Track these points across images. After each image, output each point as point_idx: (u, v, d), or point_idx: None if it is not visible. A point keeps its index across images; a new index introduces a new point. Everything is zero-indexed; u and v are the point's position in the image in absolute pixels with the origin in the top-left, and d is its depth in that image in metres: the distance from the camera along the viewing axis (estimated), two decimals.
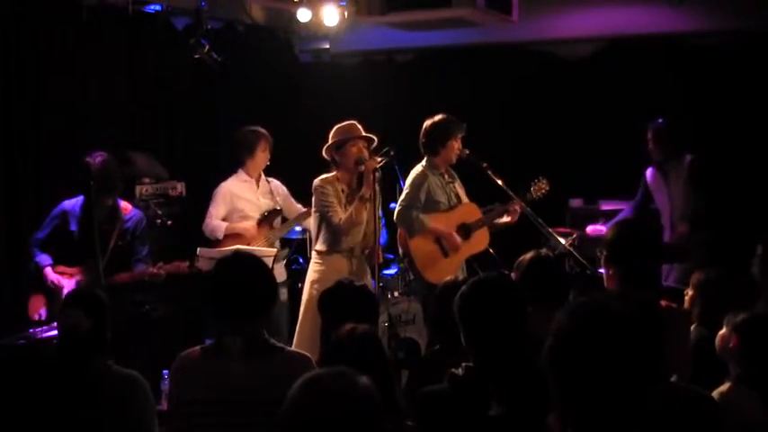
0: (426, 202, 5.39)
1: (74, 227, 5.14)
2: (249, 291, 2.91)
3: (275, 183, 5.91)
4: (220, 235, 5.60)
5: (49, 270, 5.09)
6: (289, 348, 3.00)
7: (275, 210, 5.77)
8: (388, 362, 2.73)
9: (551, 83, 7.60)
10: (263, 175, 5.84)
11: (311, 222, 5.36)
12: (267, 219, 5.73)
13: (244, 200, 5.72)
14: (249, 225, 5.64)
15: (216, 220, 5.66)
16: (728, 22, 6.87)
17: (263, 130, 5.78)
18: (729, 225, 6.27)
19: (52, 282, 5.06)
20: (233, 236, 5.58)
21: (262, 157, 5.76)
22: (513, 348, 2.72)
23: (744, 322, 3.04)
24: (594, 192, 7.11)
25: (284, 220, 5.85)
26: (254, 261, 3.05)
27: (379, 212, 5.21)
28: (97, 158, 5.08)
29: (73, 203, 5.20)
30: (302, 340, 5.05)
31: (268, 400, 2.79)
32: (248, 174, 5.78)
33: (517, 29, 6.84)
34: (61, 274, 5.11)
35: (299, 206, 5.86)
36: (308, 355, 3.00)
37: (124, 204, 5.32)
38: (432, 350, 3.70)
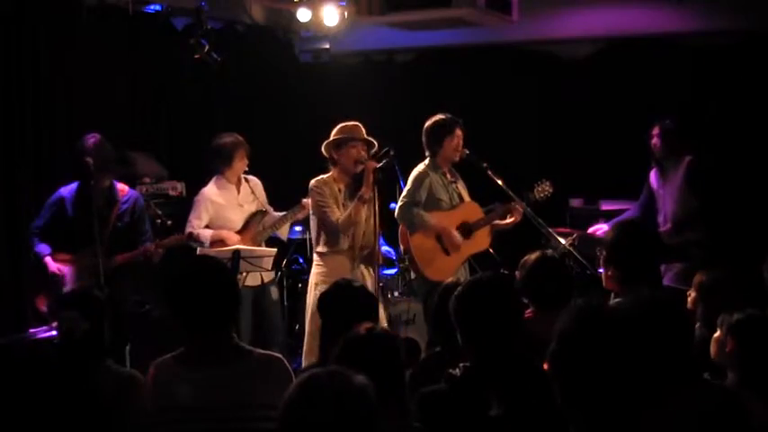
0: (428, 200, 5.40)
1: (71, 212, 5.10)
2: (211, 299, 2.85)
3: (255, 181, 5.75)
4: (207, 243, 5.43)
5: (49, 260, 5.05)
6: (259, 351, 2.96)
7: (259, 211, 5.66)
8: (402, 364, 2.72)
9: (551, 83, 7.60)
10: (242, 178, 5.69)
11: (311, 224, 5.33)
12: (252, 221, 5.62)
13: (227, 208, 5.58)
14: (232, 233, 5.52)
15: (198, 230, 5.48)
16: (729, 22, 6.86)
17: (239, 138, 5.62)
18: (728, 225, 6.27)
19: (53, 272, 5.02)
20: (218, 242, 5.45)
21: (240, 165, 5.61)
22: (511, 348, 2.72)
23: (739, 324, 2.95)
24: (595, 192, 7.10)
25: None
26: (214, 268, 2.98)
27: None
28: (90, 140, 5.04)
29: (69, 189, 5.17)
30: (312, 342, 5.03)
31: (241, 403, 2.78)
32: (227, 179, 5.63)
33: (517, 29, 6.83)
34: (62, 261, 5.08)
35: (272, 210, 5.73)
36: (279, 356, 2.96)
37: (121, 186, 5.28)
38: (432, 351, 3.70)
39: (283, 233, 5.84)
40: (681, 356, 2.46)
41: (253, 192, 5.68)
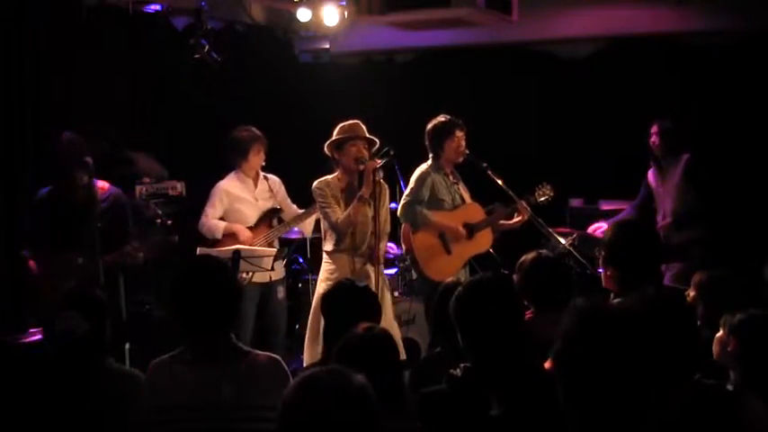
0: (430, 200, 5.42)
1: (52, 213, 5.00)
2: (212, 299, 2.85)
3: (274, 180, 5.85)
4: (219, 234, 5.57)
5: (31, 265, 4.99)
6: (256, 351, 2.96)
7: (274, 209, 5.74)
8: (400, 363, 2.72)
9: (551, 83, 7.60)
10: (260, 174, 5.79)
11: (321, 223, 5.35)
12: (266, 218, 5.70)
13: (241, 201, 5.68)
14: (245, 228, 5.60)
15: (213, 220, 5.63)
16: (728, 22, 6.87)
17: (256, 133, 5.71)
18: (726, 224, 6.28)
19: (33, 279, 4.96)
20: (230, 235, 5.56)
21: (256, 159, 5.70)
22: (511, 349, 2.72)
23: (741, 324, 2.95)
24: (594, 192, 7.11)
25: (281, 220, 5.82)
26: (216, 268, 2.98)
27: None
28: (72, 139, 4.97)
29: (48, 190, 5.08)
30: (313, 337, 5.05)
31: (238, 404, 2.79)
32: (245, 173, 5.74)
33: (517, 29, 6.83)
34: (42, 265, 4.96)
35: (296, 207, 5.84)
36: (277, 357, 2.97)
37: (101, 184, 5.13)
38: (433, 351, 3.70)
39: (307, 230, 5.93)
40: (683, 356, 2.46)
41: (270, 189, 5.74)
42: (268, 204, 5.74)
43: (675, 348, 2.38)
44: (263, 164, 5.78)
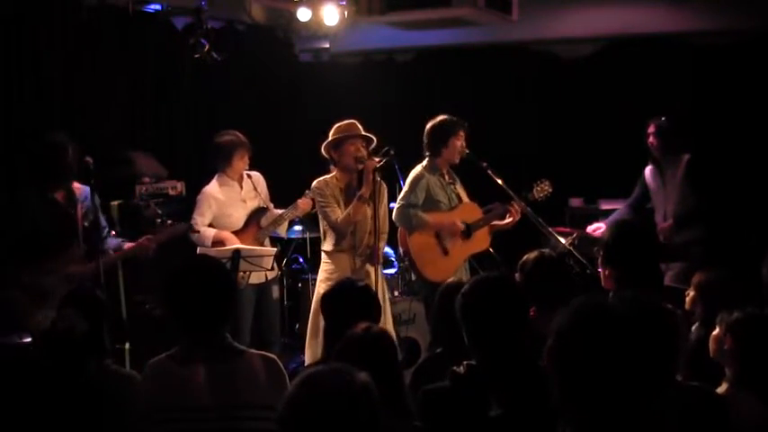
0: (426, 201, 5.39)
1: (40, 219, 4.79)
2: (206, 298, 2.85)
3: (257, 176, 5.77)
4: (209, 243, 5.46)
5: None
6: (251, 351, 2.95)
7: (261, 208, 5.68)
8: (399, 363, 2.72)
9: (551, 83, 7.61)
10: (244, 175, 5.72)
11: (320, 223, 5.34)
12: (254, 218, 5.65)
13: (230, 206, 5.61)
14: (232, 235, 5.53)
15: (202, 228, 5.53)
16: (729, 22, 6.87)
17: (240, 138, 5.64)
18: (726, 224, 6.28)
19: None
20: (219, 243, 5.46)
21: (240, 164, 5.64)
22: (515, 347, 2.72)
23: (738, 322, 2.97)
24: (594, 192, 7.12)
25: None
26: (210, 267, 2.98)
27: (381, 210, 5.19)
28: (63, 141, 4.83)
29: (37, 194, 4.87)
30: (313, 336, 5.05)
31: (234, 403, 2.79)
32: (229, 177, 5.67)
33: (517, 29, 6.84)
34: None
35: (272, 206, 5.76)
36: (273, 356, 2.96)
37: (76, 185, 4.97)
38: (434, 352, 3.69)
39: (282, 231, 5.89)
40: (659, 359, 2.45)
41: (255, 188, 5.71)
42: (255, 203, 5.69)
43: (651, 351, 2.37)
44: (247, 168, 5.71)
